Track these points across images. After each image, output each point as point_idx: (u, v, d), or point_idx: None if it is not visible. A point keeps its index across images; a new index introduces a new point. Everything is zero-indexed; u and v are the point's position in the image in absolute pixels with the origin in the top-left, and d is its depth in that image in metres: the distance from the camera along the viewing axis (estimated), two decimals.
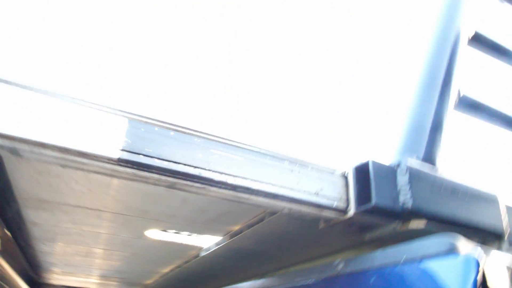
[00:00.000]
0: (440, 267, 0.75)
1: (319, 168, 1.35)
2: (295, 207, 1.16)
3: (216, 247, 2.34)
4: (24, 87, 0.93)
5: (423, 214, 1.19)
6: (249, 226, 1.97)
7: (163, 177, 1.01)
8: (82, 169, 1.04)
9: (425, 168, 1.32)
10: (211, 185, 1.06)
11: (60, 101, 0.94)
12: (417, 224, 1.20)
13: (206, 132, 1.26)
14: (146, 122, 1.04)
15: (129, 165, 0.97)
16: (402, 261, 0.88)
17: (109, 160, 0.95)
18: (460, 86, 1.70)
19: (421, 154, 1.41)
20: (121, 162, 0.96)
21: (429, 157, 1.41)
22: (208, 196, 1.14)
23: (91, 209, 1.94)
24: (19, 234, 2.42)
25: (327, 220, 1.27)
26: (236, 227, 2.11)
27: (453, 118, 1.62)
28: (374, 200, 1.14)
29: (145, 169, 0.98)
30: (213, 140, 1.18)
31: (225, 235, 2.25)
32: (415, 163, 1.31)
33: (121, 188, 1.40)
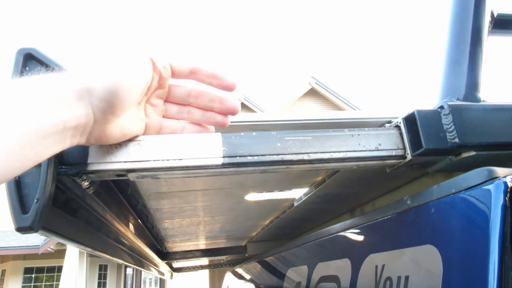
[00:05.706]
0: (473, 197, 1.01)
1: (375, 126, 1.60)
2: (362, 163, 1.44)
3: (306, 197, 2.70)
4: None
5: (471, 146, 1.41)
6: (329, 176, 2.29)
7: (256, 168, 1.35)
8: (198, 176, 1.41)
9: (467, 103, 1.51)
10: (292, 164, 1.37)
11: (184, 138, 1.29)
12: (468, 154, 1.42)
13: (279, 120, 1.57)
14: (233, 131, 1.37)
15: (230, 166, 1.31)
16: (450, 194, 1.14)
17: (217, 166, 1.30)
18: (492, 7, 1.76)
19: (463, 90, 1.59)
20: (224, 165, 1.30)
21: (471, 92, 1.58)
22: (292, 172, 1.45)
23: (199, 190, 2.38)
24: (146, 220, 2.97)
25: (391, 166, 1.53)
26: (319, 178, 2.44)
27: (490, 43, 1.72)
28: (424, 144, 1.38)
29: (242, 166, 1.32)
30: (286, 128, 1.48)
31: (311, 185, 2.60)
32: (457, 102, 1.51)
33: None
